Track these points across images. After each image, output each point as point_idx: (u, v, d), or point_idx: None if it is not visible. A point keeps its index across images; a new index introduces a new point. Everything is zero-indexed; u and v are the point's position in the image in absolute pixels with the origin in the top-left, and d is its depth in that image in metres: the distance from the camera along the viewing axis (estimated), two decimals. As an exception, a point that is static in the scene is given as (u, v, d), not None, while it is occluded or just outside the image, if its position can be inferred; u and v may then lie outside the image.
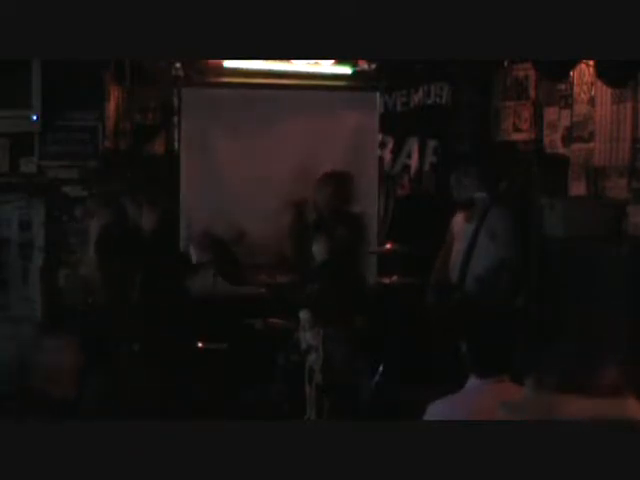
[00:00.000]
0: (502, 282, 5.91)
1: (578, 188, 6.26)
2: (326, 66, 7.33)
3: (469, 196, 6.09)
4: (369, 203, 7.36)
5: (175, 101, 7.13)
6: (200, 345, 6.09)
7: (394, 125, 7.52)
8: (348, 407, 5.32)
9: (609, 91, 5.85)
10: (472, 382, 3.33)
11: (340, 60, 7.19)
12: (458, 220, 6.25)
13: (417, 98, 7.50)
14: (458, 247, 6.17)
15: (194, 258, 6.37)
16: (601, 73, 5.47)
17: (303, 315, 5.52)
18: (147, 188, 6.41)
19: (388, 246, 6.68)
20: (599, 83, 5.82)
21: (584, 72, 6.10)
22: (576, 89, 6.30)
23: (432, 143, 7.50)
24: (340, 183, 6.38)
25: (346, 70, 7.38)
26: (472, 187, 6.13)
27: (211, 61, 7.01)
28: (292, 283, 6.26)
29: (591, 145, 6.13)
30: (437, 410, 3.28)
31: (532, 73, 6.80)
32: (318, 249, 5.88)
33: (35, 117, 6.31)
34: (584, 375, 2.44)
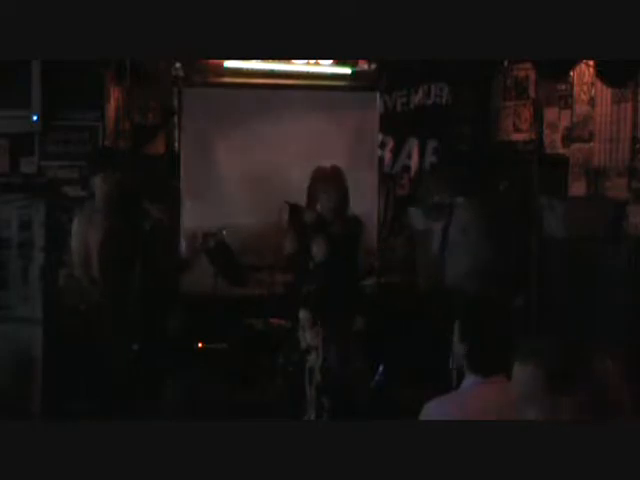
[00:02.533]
0: (483, 277, 5.89)
1: (578, 188, 6.27)
2: (326, 66, 7.34)
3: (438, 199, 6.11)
4: (369, 203, 7.36)
5: (175, 101, 7.13)
6: (200, 345, 6.10)
7: (394, 125, 7.52)
8: (348, 407, 5.32)
9: (609, 91, 5.86)
10: (468, 381, 3.33)
11: (340, 60, 7.20)
12: (420, 219, 6.25)
13: (417, 98, 7.51)
14: (427, 246, 6.16)
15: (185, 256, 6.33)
16: (601, 73, 5.47)
17: (302, 315, 5.51)
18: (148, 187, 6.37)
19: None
20: (599, 83, 5.83)
21: (584, 72, 6.11)
22: (576, 89, 6.30)
23: (432, 143, 7.51)
24: (332, 181, 6.28)
25: (346, 70, 7.38)
26: (441, 190, 6.15)
27: (211, 61, 7.01)
28: (292, 282, 6.25)
29: (591, 145, 6.13)
30: (433, 409, 3.28)
31: (532, 73, 6.81)
32: (317, 249, 5.87)
33: (35, 117, 6.31)
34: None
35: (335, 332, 5.38)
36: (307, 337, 5.43)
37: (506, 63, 7.06)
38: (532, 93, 6.95)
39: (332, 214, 6.00)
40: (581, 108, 6.25)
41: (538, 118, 6.77)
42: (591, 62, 5.70)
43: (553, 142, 6.61)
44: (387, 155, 7.54)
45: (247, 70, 7.17)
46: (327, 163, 6.58)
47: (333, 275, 5.70)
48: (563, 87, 6.44)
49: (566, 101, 6.44)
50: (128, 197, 5.76)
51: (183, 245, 6.50)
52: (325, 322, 5.30)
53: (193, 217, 6.91)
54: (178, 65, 7.02)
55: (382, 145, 7.51)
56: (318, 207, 6.08)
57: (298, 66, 7.26)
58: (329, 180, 6.18)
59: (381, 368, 6.03)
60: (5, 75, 6.08)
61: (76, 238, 5.94)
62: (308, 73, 7.34)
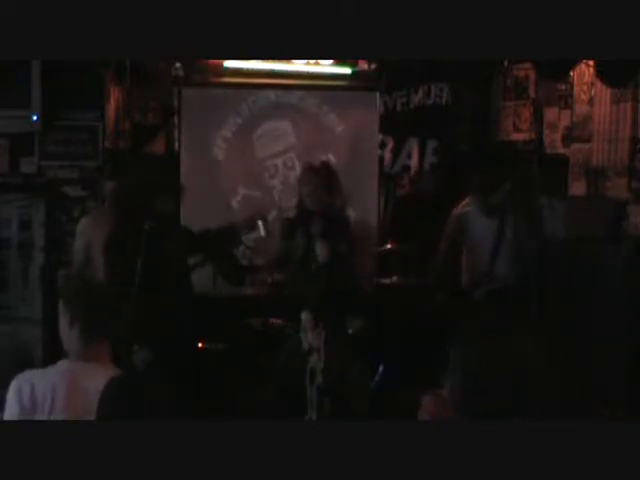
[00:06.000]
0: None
1: (578, 188, 6.27)
2: (326, 66, 7.34)
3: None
4: (369, 203, 7.36)
5: (175, 101, 7.13)
6: (200, 345, 6.08)
7: (394, 125, 7.52)
8: (349, 408, 5.31)
9: (609, 91, 5.86)
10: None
11: (340, 60, 7.20)
12: (469, 216, 6.09)
13: (417, 98, 7.50)
14: (478, 243, 6.04)
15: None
16: (601, 73, 5.48)
17: (304, 316, 5.51)
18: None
19: (388, 246, 6.67)
20: (599, 83, 5.83)
21: (584, 72, 6.11)
22: (576, 89, 6.30)
23: (432, 143, 7.51)
24: (312, 175, 5.98)
25: (346, 70, 7.38)
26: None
27: (211, 61, 7.01)
28: (293, 283, 6.23)
29: (591, 145, 6.13)
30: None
31: (532, 73, 6.81)
32: (320, 250, 5.82)
33: (35, 117, 6.30)
34: None
35: (337, 334, 5.38)
36: (309, 338, 5.43)
37: (506, 63, 7.06)
38: (532, 93, 6.96)
39: (316, 210, 5.73)
40: (581, 108, 6.25)
41: (538, 118, 6.77)
42: (591, 62, 5.71)
43: (553, 142, 6.61)
44: (387, 155, 7.53)
45: (247, 70, 7.17)
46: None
47: (335, 276, 5.66)
48: (563, 87, 6.44)
49: (566, 101, 6.44)
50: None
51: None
52: (327, 324, 5.30)
53: (192, 217, 6.90)
54: (178, 65, 7.02)
55: (382, 145, 7.51)
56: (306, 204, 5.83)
57: (298, 66, 7.26)
58: (308, 174, 5.88)
59: (381, 369, 6.04)
60: (5, 75, 6.08)
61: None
62: (308, 73, 7.34)
